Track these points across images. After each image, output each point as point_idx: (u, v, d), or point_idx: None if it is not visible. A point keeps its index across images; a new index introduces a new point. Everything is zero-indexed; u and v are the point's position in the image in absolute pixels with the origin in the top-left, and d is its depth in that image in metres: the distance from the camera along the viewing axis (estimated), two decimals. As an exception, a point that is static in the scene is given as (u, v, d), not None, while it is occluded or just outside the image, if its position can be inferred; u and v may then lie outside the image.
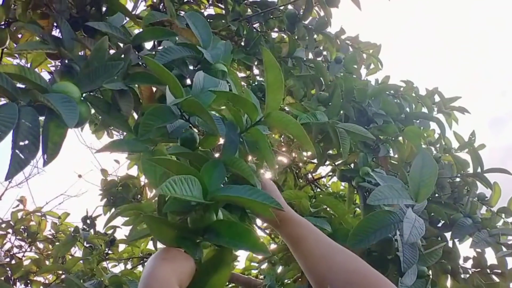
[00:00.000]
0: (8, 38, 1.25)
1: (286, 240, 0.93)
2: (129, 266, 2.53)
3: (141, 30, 1.99)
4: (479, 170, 1.82)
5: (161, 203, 0.89)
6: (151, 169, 0.94)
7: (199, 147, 1.02)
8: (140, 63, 1.15)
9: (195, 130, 1.04)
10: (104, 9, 1.29)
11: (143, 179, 2.54)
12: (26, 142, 0.71)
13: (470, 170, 1.87)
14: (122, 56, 1.02)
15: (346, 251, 0.85)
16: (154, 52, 1.20)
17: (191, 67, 1.16)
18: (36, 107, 0.76)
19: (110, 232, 2.47)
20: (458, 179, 1.92)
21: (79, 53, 1.18)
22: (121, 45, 1.21)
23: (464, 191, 1.88)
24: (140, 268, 2.51)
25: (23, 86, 0.81)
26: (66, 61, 1.12)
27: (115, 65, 0.90)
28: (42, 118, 0.78)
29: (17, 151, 0.70)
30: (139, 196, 2.46)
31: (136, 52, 1.16)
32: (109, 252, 2.47)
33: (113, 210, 2.34)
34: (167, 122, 0.91)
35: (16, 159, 0.69)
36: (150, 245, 2.52)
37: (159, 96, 1.15)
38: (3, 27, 1.24)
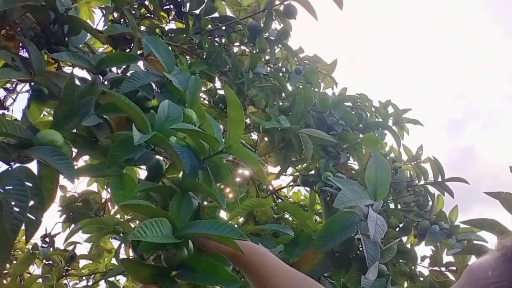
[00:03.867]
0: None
1: (247, 267, 0.93)
2: (90, 283, 2.44)
3: (104, 51, 1.98)
4: (439, 179, 1.92)
5: (134, 243, 0.92)
6: (119, 194, 0.98)
7: (166, 174, 1.06)
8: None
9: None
10: (66, 27, 1.28)
11: (104, 195, 2.47)
12: (32, 202, 0.75)
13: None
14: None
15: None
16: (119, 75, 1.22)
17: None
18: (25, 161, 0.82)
19: (70, 248, 2.38)
20: (418, 188, 2.00)
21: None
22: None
23: (427, 199, 1.96)
24: (102, 283, 2.43)
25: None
26: (34, 85, 1.11)
27: (89, 102, 0.91)
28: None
29: (29, 215, 0.74)
30: (101, 211, 2.39)
31: (101, 78, 1.16)
32: (69, 268, 2.38)
33: (73, 226, 2.26)
34: (134, 153, 0.92)
35: (29, 222, 0.74)
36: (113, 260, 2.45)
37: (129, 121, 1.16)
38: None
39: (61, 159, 0.79)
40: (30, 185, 0.75)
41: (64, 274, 2.35)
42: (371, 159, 1.26)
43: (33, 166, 0.83)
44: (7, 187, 0.72)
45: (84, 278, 2.44)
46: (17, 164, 0.79)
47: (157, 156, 1.06)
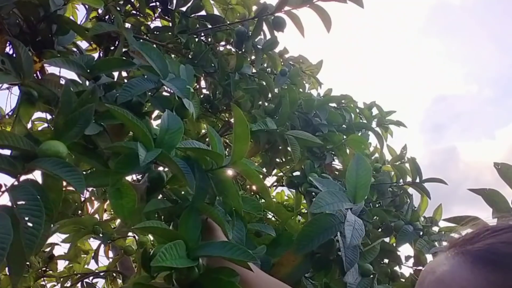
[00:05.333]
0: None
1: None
2: (68, 284, 2.45)
3: (87, 48, 1.99)
4: (417, 180, 1.98)
5: (145, 258, 1.00)
6: (118, 204, 0.99)
7: (167, 185, 1.11)
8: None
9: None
10: (54, 26, 1.30)
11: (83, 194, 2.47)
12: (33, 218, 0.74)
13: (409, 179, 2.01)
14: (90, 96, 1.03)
15: None
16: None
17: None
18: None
19: (48, 250, 2.39)
20: (397, 189, 2.06)
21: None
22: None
23: (404, 199, 2.02)
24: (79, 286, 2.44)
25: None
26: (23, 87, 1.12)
27: (89, 110, 0.93)
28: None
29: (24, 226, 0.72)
30: (79, 211, 2.40)
31: (96, 83, 1.17)
32: (47, 269, 2.38)
33: (51, 226, 2.26)
34: (137, 169, 0.94)
35: (26, 236, 0.73)
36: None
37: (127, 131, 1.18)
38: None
39: (69, 170, 0.81)
40: (38, 197, 0.77)
41: (41, 275, 2.36)
42: (352, 159, 1.27)
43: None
44: (19, 202, 0.74)
45: (61, 279, 2.45)
46: (23, 177, 0.81)
47: (156, 167, 1.10)
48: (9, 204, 0.76)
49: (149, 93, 1.20)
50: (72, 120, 0.91)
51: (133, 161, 0.90)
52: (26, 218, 0.72)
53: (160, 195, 1.14)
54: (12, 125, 1.22)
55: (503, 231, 0.56)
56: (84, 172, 1.14)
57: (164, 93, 1.30)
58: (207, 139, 2.29)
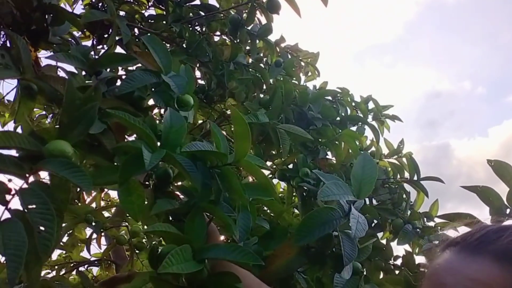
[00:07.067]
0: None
1: None
2: (62, 272, 2.48)
3: (80, 36, 1.98)
4: (415, 177, 1.99)
5: (152, 257, 1.04)
6: (128, 200, 1.01)
7: (173, 181, 1.14)
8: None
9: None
10: (49, 17, 1.31)
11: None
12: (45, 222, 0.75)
13: (406, 175, 2.03)
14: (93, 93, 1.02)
15: None
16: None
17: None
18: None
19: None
20: (395, 185, 2.09)
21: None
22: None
23: (402, 197, 2.04)
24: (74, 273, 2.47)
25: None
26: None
27: (92, 109, 0.93)
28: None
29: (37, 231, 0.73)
30: (75, 200, 2.41)
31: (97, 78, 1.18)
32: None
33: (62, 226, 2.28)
34: (144, 169, 0.93)
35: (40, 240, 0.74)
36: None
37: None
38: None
39: (76, 171, 0.81)
40: (48, 200, 0.78)
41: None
42: (359, 156, 1.29)
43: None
44: (30, 206, 0.75)
45: (56, 267, 2.47)
46: (31, 178, 0.82)
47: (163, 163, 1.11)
48: (20, 208, 0.76)
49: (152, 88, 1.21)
50: (76, 119, 0.92)
51: (140, 160, 0.90)
52: (38, 222, 0.74)
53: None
54: (15, 117, 1.21)
55: None
56: (90, 169, 1.17)
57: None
58: (203, 130, 2.31)
